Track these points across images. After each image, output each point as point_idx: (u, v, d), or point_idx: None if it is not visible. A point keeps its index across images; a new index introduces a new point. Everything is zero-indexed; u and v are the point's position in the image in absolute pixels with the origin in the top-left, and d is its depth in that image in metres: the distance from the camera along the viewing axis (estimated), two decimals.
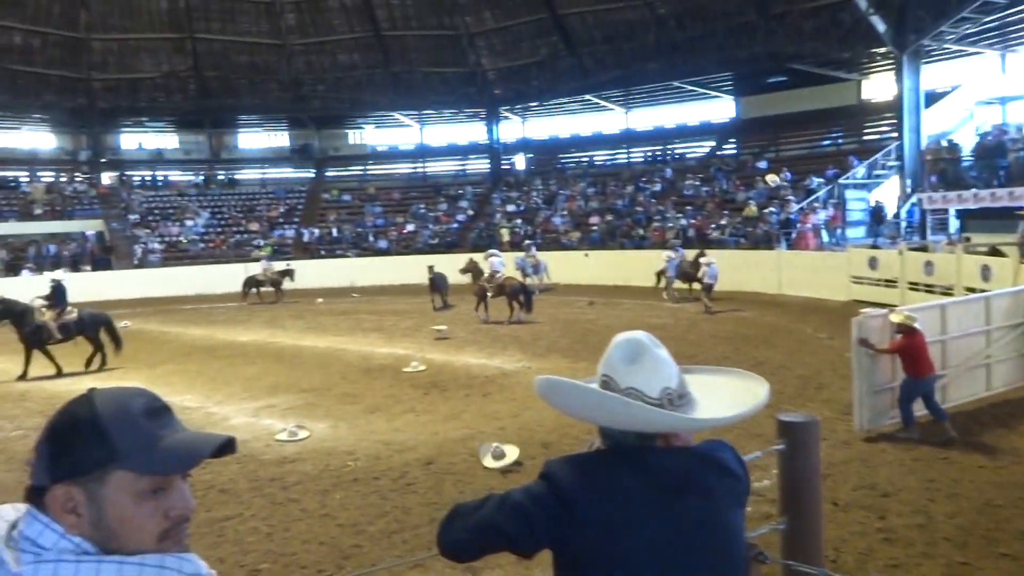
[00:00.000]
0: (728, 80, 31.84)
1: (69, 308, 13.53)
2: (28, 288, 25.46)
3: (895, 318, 7.95)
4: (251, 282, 24.04)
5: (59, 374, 12.89)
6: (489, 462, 7.30)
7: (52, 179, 32.97)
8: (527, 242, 25.75)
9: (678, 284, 20.14)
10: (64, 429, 1.14)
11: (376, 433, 8.72)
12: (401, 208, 34.52)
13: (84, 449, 1.12)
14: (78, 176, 33.60)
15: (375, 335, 16.27)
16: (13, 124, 34.44)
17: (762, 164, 27.72)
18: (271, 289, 24.11)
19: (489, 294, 17.71)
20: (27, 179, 32.38)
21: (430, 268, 20.92)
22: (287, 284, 24.27)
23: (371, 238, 31.73)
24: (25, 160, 33.93)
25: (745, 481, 1.74)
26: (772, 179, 24.04)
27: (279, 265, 25.33)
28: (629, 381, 1.68)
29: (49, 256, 28.20)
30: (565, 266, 25.92)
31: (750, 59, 27.85)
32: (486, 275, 18.16)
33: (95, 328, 13.45)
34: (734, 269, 21.07)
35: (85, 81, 32.46)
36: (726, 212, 25.00)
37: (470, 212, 33.12)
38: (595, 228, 28.08)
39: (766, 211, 23.43)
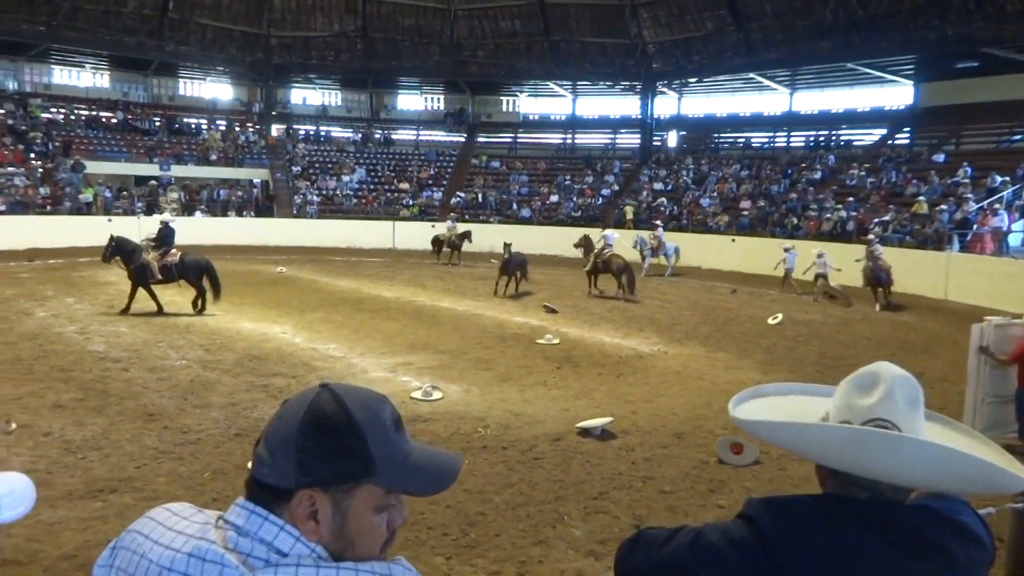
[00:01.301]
0: (909, 63, 29.39)
1: (173, 251, 13.64)
2: (198, 228, 27.84)
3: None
4: (436, 241, 24.68)
5: (159, 312, 13.37)
6: (727, 456, 6.90)
7: (227, 128, 35.36)
8: (656, 222, 25.07)
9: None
10: (321, 433, 1.06)
11: (507, 402, 8.76)
12: (547, 178, 34.51)
13: (344, 460, 1.05)
14: (250, 126, 35.86)
15: (511, 303, 16.42)
16: (199, 75, 37.17)
17: (939, 157, 25.47)
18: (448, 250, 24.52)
19: (588, 266, 18.16)
20: (206, 127, 34.92)
21: (507, 246, 18.12)
22: (465, 246, 24.52)
23: (515, 206, 31.98)
24: (206, 109, 36.60)
25: (991, 551, 1.46)
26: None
27: (461, 227, 25.60)
28: (870, 413, 1.37)
29: (219, 200, 30.38)
30: (709, 250, 25.08)
31: (939, 41, 25.50)
32: (596, 249, 18.32)
33: (197, 272, 13.60)
34: (897, 269, 19.59)
35: (264, 37, 34.43)
36: (892, 207, 23.22)
37: (616, 187, 32.64)
38: (745, 213, 26.94)
39: (938, 208, 21.55)
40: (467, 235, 23.90)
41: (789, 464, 6.83)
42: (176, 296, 14.84)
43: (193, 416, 7.76)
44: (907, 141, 29.00)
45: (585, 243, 19.33)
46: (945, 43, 25.55)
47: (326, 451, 1.05)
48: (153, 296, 13.64)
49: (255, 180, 32.86)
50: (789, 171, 28.89)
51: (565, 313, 15.36)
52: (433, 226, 25.29)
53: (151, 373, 9.45)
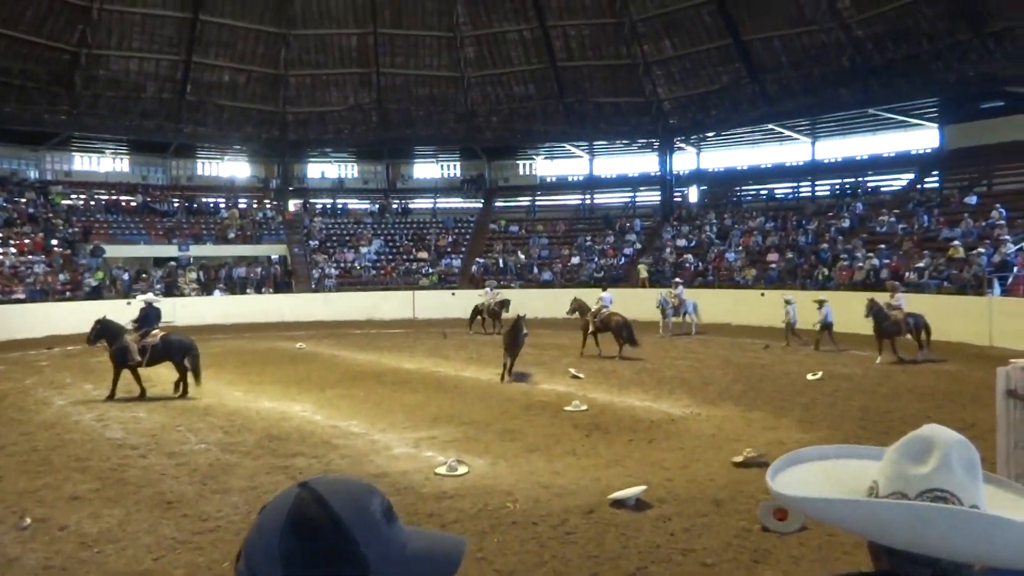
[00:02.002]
0: (932, 106, 29.54)
1: (154, 332, 13.44)
2: (217, 307, 28.25)
3: None
4: (476, 311, 24.89)
5: (142, 396, 13.18)
6: (771, 522, 6.67)
7: (245, 205, 36.18)
8: (675, 280, 25.04)
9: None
10: (306, 539, 1.00)
11: (535, 474, 8.61)
12: (567, 240, 34.75)
13: (334, 565, 0.99)
14: (267, 203, 36.67)
15: (536, 369, 16.30)
16: (216, 155, 38.30)
17: (971, 199, 25.33)
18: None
19: (590, 329, 18.58)
20: (224, 205, 35.76)
21: (519, 321, 15.33)
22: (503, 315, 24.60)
23: (535, 269, 32.12)
24: (224, 188, 37.56)
25: None
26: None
27: (501, 294, 25.82)
28: (926, 483, 1.30)
29: (238, 278, 30.86)
30: (739, 305, 24.93)
31: (961, 83, 25.69)
32: (593, 310, 18.96)
33: (180, 354, 13.38)
34: (936, 316, 19.28)
35: (280, 114, 35.54)
36: (927, 252, 23.01)
37: (638, 245, 32.74)
38: (773, 266, 26.83)
39: (974, 252, 21.33)
40: (506, 303, 24.09)
41: (838, 529, 6.59)
42: (192, 378, 14.92)
43: (212, 502, 7.70)
44: (936, 184, 28.92)
45: (578, 306, 19.81)
46: (967, 84, 25.72)
47: (313, 559, 1.00)
48: (137, 378, 13.38)
49: (273, 256, 33.40)
50: (812, 221, 28.83)
51: (591, 378, 15.23)
52: (480, 295, 25.46)
53: (170, 459, 9.43)
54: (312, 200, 37.84)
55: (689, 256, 29.87)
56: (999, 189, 26.37)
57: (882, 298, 17.44)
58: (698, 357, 18.01)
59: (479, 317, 24.58)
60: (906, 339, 16.98)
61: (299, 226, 34.76)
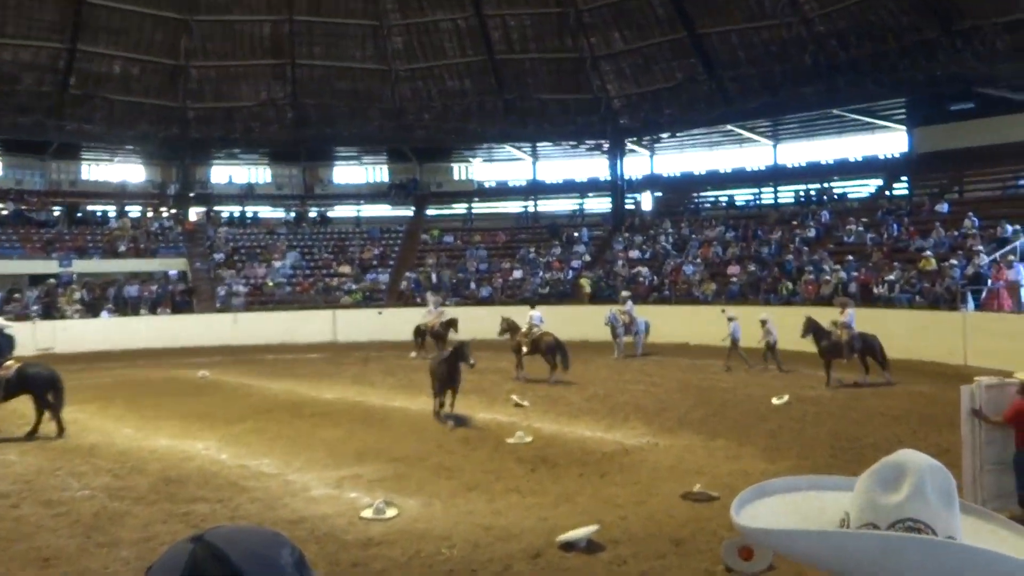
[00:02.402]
0: (900, 107, 30.73)
1: (8, 363, 13.00)
2: (105, 331, 27.41)
3: (1020, 376, 8.14)
4: (419, 331, 24.56)
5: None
6: (736, 563, 6.61)
7: (139, 214, 35.27)
8: (623, 294, 25.38)
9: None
10: None
11: (475, 515, 8.57)
12: (508, 251, 34.89)
13: None
14: (164, 211, 35.83)
15: (474, 397, 16.22)
16: (105, 156, 37.30)
17: (942, 207, 26.36)
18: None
19: (524, 349, 18.97)
20: (114, 214, 34.79)
21: (462, 348, 14.21)
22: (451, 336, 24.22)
23: (473, 285, 32.13)
24: (113, 194, 36.58)
25: None
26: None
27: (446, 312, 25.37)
28: (899, 513, 1.33)
29: (129, 297, 30.02)
30: (697, 323, 25.30)
31: (929, 83, 26.79)
32: (523, 329, 19.56)
33: (39, 387, 12.95)
34: (907, 333, 19.92)
35: (180, 110, 34.84)
36: (897, 264, 23.82)
37: (587, 257, 33.05)
38: (734, 280, 27.40)
39: (947, 264, 22.17)
40: (453, 323, 23.86)
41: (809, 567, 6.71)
42: (78, 413, 14.43)
43: (98, 558, 7.44)
44: (906, 191, 30.03)
45: (509, 326, 20.38)
46: (936, 84, 26.82)
47: None
48: None
49: (172, 272, 32.62)
50: (776, 230, 29.56)
51: (537, 405, 15.27)
52: (424, 313, 25.06)
53: (46, 508, 9.08)
54: (217, 208, 37.17)
55: (643, 269, 30.29)
56: (971, 196, 27.52)
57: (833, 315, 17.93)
58: (654, 380, 18.23)
59: (421, 339, 24.31)
60: (855, 362, 17.32)
61: (202, 237, 34.05)
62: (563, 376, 18.19)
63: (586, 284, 29.78)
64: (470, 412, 14.53)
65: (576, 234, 35.05)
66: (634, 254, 32.04)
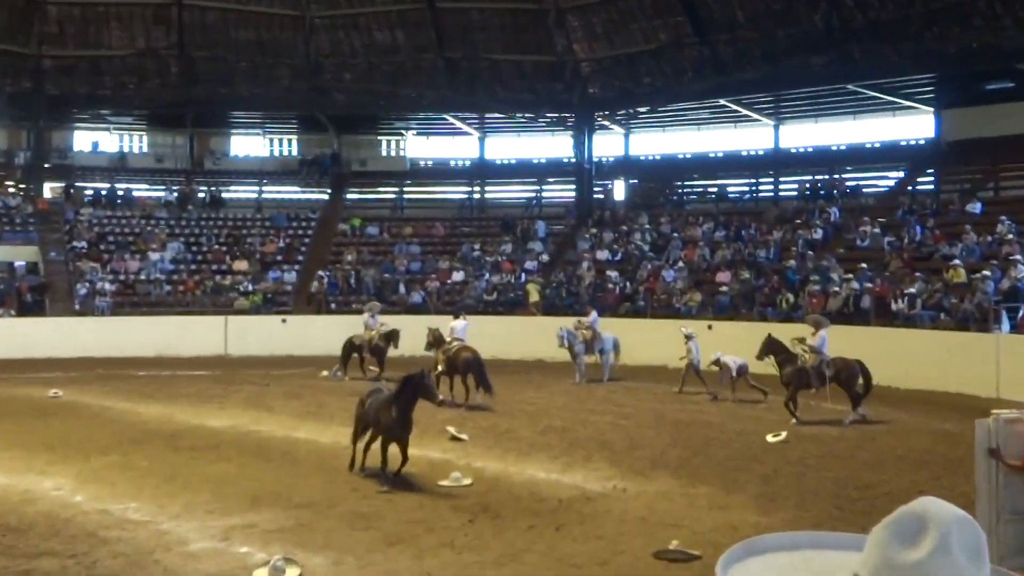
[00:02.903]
0: (927, 85, 31.42)
1: None
2: None
3: None
4: (350, 347, 24.09)
5: None
6: None
7: None
8: (588, 307, 25.63)
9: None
10: None
11: None
12: (447, 248, 34.90)
13: None
14: (11, 185, 35.04)
15: None
16: None
17: (974, 207, 27.01)
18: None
19: (439, 367, 19.36)
20: None
21: (421, 380, 12.85)
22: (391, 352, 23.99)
23: (402, 289, 32.01)
24: None
25: None
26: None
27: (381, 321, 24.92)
28: (920, 572, 1.37)
29: None
30: (678, 342, 25.49)
31: (962, 56, 27.38)
32: (446, 344, 20.12)
33: None
34: (930, 359, 20.34)
35: (33, 58, 34.11)
36: (920, 274, 24.31)
37: (545, 257, 33.18)
38: (724, 289, 27.71)
39: (978, 275, 22.70)
40: (394, 335, 23.68)
41: None
42: None
43: None
44: (931, 186, 30.68)
45: (436, 340, 20.78)
46: (970, 58, 27.41)
47: None
48: None
49: (18, 263, 31.91)
50: (776, 230, 29.99)
51: (478, 439, 15.27)
52: (364, 322, 24.73)
53: None
54: (79, 183, 36.46)
55: (613, 273, 30.48)
56: (1008, 195, 28.24)
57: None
58: (623, 412, 18.32)
59: (355, 356, 24.05)
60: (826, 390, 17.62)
61: (58, 220, 33.38)
62: (487, 401, 18.64)
63: (533, 291, 29.93)
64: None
65: (532, 228, 35.18)
66: (602, 255, 32.24)
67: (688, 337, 21.31)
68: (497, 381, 19.32)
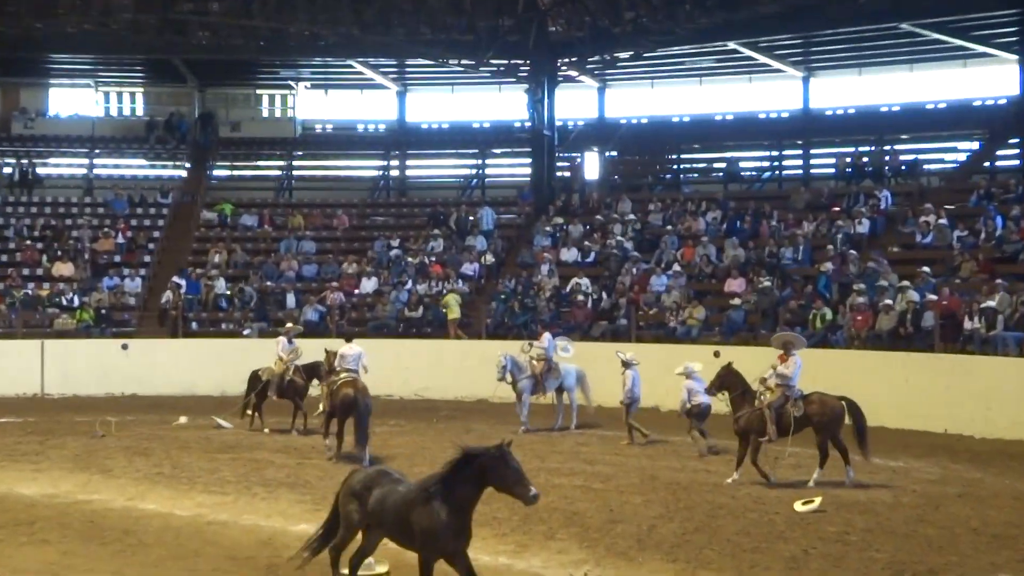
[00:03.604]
0: (1011, 24, 31.64)
1: None
2: None
3: None
4: (256, 385, 23.77)
5: None
6: None
7: None
8: (541, 327, 25.64)
9: None
10: None
11: None
12: (354, 245, 34.86)
13: None
14: None
15: (286, 492, 16.23)
16: None
17: None
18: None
19: (321, 406, 20.47)
20: None
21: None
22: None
23: (291, 301, 31.75)
24: None
25: None
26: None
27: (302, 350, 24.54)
28: None
29: None
30: (671, 374, 25.58)
31: None
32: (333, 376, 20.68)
33: None
34: (1016, 396, 20.49)
35: None
36: (1002, 282, 24.58)
37: (489, 259, 33.09)
38: (737, 302, 27.78)
39: None
40: (316, 369, 23.30)
41: None
42: None
43: None
44: (1017, 161, 30.94)
45: (330, 368, 21.18)
46: None
47: None
48: None
49: None
50: (806, 220, 30.14)
51: None
52: (281, 352, 24.22)
53: None
54: None
55: (583, 280, 30.46)
56: None
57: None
58: (598, 471, 18.31)
59: (258, 394, 23.70)
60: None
61: None
62: (359, 452, 19.06)
63: (453, 303, 29.90)
64: (283, 522, 14.45)
65: (472, 218, 35.12)
66: (569, 255, 32.26)
67: (627, 365, 21.73)
68: (424, 430, 19.21)
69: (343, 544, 11.14)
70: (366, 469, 12.44)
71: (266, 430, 23.26)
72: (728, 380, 17.82)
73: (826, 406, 17.07)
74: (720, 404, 18.83)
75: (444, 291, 31.32)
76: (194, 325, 30.78)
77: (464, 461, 10.38)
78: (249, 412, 23.76)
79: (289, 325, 25.69)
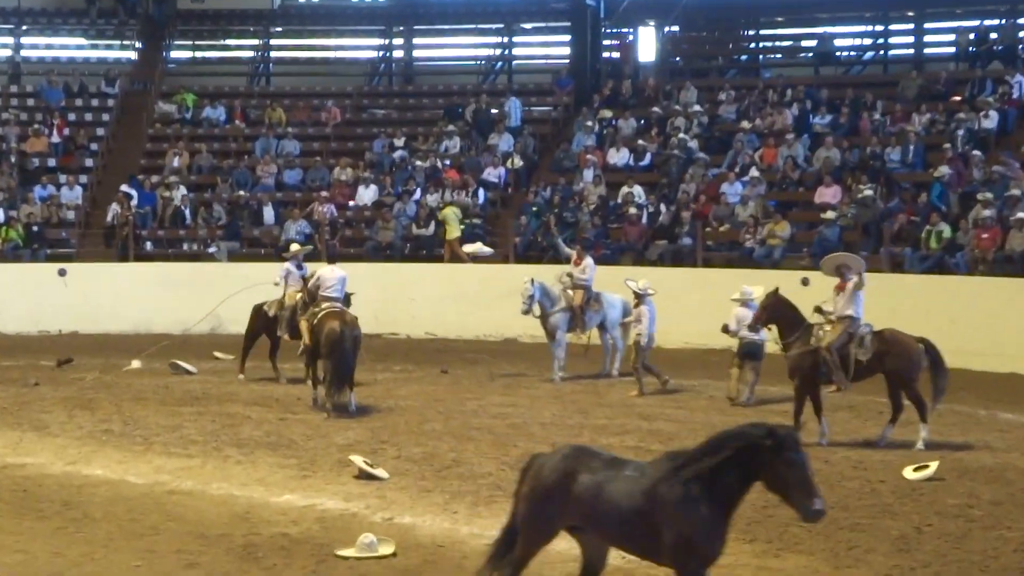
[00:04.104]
0: None
1: None
2: None
3: None
4: (260, 324, 24.02)
5: None
6: None
7: None
8: (578, 249, 25.42)
9: None
10: None
11: None
12: (348, 145, 34.93)
13: None
14: None
15: (265, 454, 16.35)
16: None
17: None
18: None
19: (305, 341, 20.82)
20: None
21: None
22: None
23: (269, 215, 31.76)
24: None
25: None
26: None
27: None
28: None
29: None
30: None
31: None
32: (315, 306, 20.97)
33: None
34: None
35: None
36: None
37: (516, 162, 33.00)
38: (831, 216, 27.65)
39: None
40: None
41: None
42: None
43: None
44: None
45: (312, 296, 21.24)
46: None
47: None
48: None
49: None
50: (917, 112, 29.97)
51: (403, 475, 15.34)
52: (276, 280, 24.38)
53: None
54: None
55: (636, 188, 30.40)
56: None
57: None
58: (657, 429, 18.43)
59: (263, 335, 23.87)
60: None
61: None
62: (342, 399, 19.24)
63: (451, 217, 29.83)
64: (267, 488, 14.58)
65: (495, 111, 35.01)
66: (619, 157, 32.16)
67: (639, 296, 21.74)
68: (435, 376, 19.19)
69: (526, 560, 9.99)
70: (559, 450, 10.38)
71: (283, 380, 23.33)
72: (776, 311, 17.66)
73: (900, 348, 17.01)
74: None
75: (439, 205, 31.26)
76: (148, 245, 30.87)
77: (727, 443, 9.39)
78: (246, 363, 23.90)
79: (296, 247, 25.44)
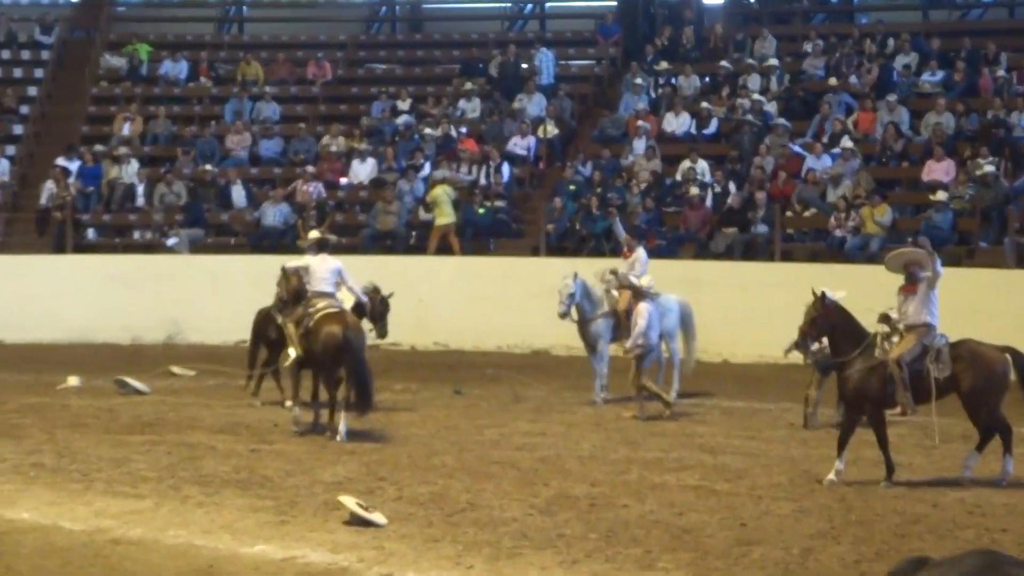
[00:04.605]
0: None
1: None
2: None
3: None
4: (266, 331, 24.21)
5: None
6: None
7: None
8: (629, 239, 25.42)
9: None
10: None
11: None
12: (340, 108, 35.08)
13: None
14: None
15: (235, 494, 16.47)
16: None
17: None
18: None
19: (292, 350, 21.07)
20: None
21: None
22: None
23: (239, 197, 31.87)
24: None
25: None
26: None
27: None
28: None
29: None
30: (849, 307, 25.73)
31: None
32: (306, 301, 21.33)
33: None
34: None
35: None
36: None
37: (550, 130, 33.06)
38: (943, 198, 27.67)
39: None
40: (361, 305, 23.49)
41: None
42: None
43: None
44: None
45: (292, 293, 21.60)
46: None
47: None
48: None
49: None
50: None
51: (405, 521, 15.35)
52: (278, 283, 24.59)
53: None
54: None
55: (699, 165, 30.45)
56: None
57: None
58: (723, 463, 18.48)
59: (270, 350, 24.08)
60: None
61: None
62: (352, 414, 19.62)
63: (443, 195, 29.92)
64: (231, 541, 14.57)
65: (525, 67, 35.08)
66: (677, 123, 32.23)
67: (648, 294, 21.97)
68: (447, 398, 19.19)
69: None
70: (950, 561, 7.81)
71: (288, 403, 22.84)
72: (827, 323, 17.57)
73: (982, 359, 17.04)
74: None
75: (435, 183, 31.30)
76: (91, 233, 31.03)
77: None
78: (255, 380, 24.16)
79: (315, 234, 25.33)
